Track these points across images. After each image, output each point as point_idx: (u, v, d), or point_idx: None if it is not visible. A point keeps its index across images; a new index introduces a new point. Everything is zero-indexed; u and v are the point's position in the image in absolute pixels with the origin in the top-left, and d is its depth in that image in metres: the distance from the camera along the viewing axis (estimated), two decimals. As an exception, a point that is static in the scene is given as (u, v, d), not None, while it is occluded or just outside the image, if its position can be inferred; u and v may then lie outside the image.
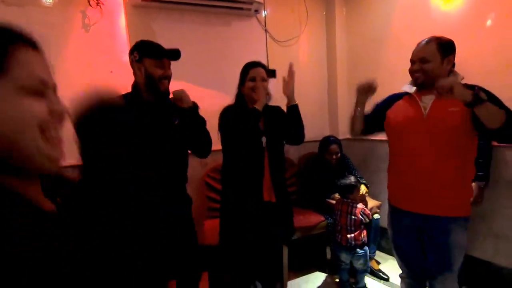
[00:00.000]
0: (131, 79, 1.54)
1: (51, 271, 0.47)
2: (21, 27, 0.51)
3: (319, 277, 2.52)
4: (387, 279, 2.42)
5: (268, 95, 1.82)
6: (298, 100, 1.80)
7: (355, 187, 2.29)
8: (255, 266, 2.02)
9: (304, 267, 2.62)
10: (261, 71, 1.77)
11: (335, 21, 3.02)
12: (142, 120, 1.40)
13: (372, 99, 1.66)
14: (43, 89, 0.51)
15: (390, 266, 2.54)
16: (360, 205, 2.26)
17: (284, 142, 1.89)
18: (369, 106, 1.70)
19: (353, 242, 2.21)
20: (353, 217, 2.22)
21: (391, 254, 2.67)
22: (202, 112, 1.63)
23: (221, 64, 2.59)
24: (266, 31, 2.81)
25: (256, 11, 2.63)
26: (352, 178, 2.32)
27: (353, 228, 2.22)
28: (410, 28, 2.45)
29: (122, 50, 2.25)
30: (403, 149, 1.54)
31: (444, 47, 1.41)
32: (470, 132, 1.37)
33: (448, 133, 1.39)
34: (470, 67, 1.88)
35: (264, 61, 2.29)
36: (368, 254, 2.28)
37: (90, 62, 2.17)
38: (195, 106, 1.55)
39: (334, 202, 2.46)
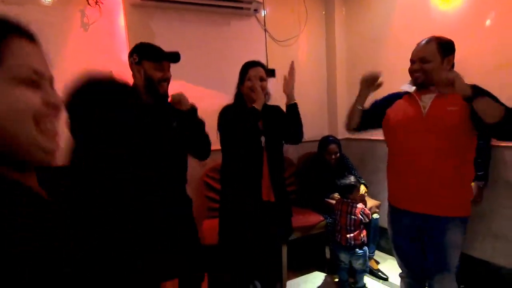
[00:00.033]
0: (130, 78, 1.54)
1: (50, 266, 0.47)
2: (17, 19, 0.51)
3: (318, 276, 2.52)
4: (386, 279, 2.42)
5: (267, 94, 1.82)
6: (298, 99, 1.80)
7: (355, 187, 2.29)
8: (255, 266, 2.02)
9: (304, 266, 2.62)
10: (260, 70, 1.77)
11: (334, 20, 3.02)
12: (141, 120, 1.39)
13: (372, 96, 1.65)
14: (39, 80, 0.51)
15: (389, 266, 2.54)
16: (360, 205, 2.26)
17: (283, 141, 1.89)
18: (367, 103, 1.68)
19: (352, 242, 2.21)
20: (353, 217, 2.22)
21: (390, 254, 2.67)
22: (201, 111, 1.62)
23: (221, 64, 2.59)
24: (265, 30, 2.81)
25: (256, 10, 2.63)
26: (352, 178, 2.32)
27: (352, 228, 2.23)
28: (409, 28, 2.45)
29: (121, 49, 2.24)
30: (402, 149, 1.54)
31: (444, 47, 1.42)
32: (469, 131, 1.37)
33: (447, 132, 1.39)
34: (469, 66, 1.89)
35: (263, 61, 2.29)
36: (368, 254, 2.29)
37: (89, 61, 2.16)
38: (193, 109, 1.55)
39: (333, 202, 2.46)
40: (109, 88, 0.69)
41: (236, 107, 1.80)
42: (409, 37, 2.10)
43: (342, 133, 3.04)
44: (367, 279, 2.38)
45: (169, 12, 2.39)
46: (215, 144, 1.78)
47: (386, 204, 1.71)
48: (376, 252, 2.67)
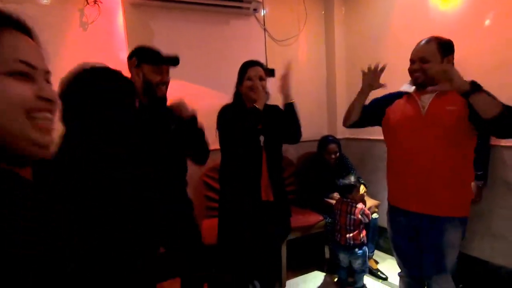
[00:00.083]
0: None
1: (52, 267, 0.47)
2: (10, 11, 0.51)
3: (318, 276, 2.52)
4: (385, 279, 2.42)
5: (266, 94, 1.81)
6: (297, 99, 1.80)
7: (354, 187, 2.29)
8: (254, 265, 2.01)
9: (303, 266, 2.62)
10: (259, 70, 1.76)
11: (334, 20, 3.02)
12: (139, 117, 1.40)
13: (371, 95, 1.65)
14: (32, 73, 0.50)
15: (389, 266, 2.54)
16: (360, 205, 2.26)
17: (282, 141, 1.88)
18: (367, 101, 1.67)
19: (351, 242, 2.21)
20: (352, 216, 2.22)
21: (389, 254, 2.67)
22: (200, 110, 1.62)
23: (220, 63, 2.59)
24: (265, 30, 2.81)
25: (255, 10, 2.63)
26: (352, 178, 2.32)
27: (352, 228, 2.23)
28: (409, 28, 2.45)
29: (120, 48, 2.24)
30: (401, 148, 1.54)
31: (444, 47, 1.42)
32: (469, 131, 1.37)
33: (446, 131, 1.39)
34: (468, 66, 1.88)
35: (262, 60, 2.29)
36: (367, 254, 2.29)
37: (88, 60, 2.15)
38: (193, 118, 1.55)
39: (333, 201, 2.46)
40: (104, 78, 0.70)
41: (235, 107, 1.80)
42: (409, 36, 2.10)
43: (341, 133, 3.04)
44: (367, 279, 2.38)
45: (168, 11, 2.38)
46: (214, 143, 1.78)
47: (385, 203, 1.71)
48: (376, 251, 2.67)
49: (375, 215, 2.50)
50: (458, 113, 1.35)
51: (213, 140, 1.75)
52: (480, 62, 1.98)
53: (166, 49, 1.53)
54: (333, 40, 3.05)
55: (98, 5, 2.17)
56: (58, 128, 0.56)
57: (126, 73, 1.55)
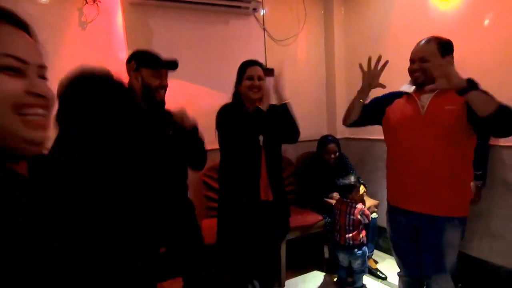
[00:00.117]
0: (127, 78, 1.53)
1: (50, 266, 0.47)
2: (3, 5, 0.50)
3: (317, 276, 2.52)
4: (384, 278, 2.42)
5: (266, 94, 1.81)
6: (296, 99, 1.80)
7: (354, 187, 2.28)
8: (253, 265, 2.01)
9: (302, 266, 2.61)
10: (258, 69, 1.76)
11: (333, 19, 3.02)
12: (138, 120, 1.39)
13: (371, 94, 1.64)
14: (22, 68, 0.49)
15: (388, 265, 2.54)
16: (359, 206, 2.25)
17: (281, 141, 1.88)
18: (367, 100, 1.67)
19: (351, 242, 2.21)
20: (352, 217, 2.22)
21: (389, 253, 2.67)
22: (199, 110, 1.62)
23: (219, 63, 2.58)
24: (264, 29, 2.80)
25: (255, 9, 2.62)
26: (352, 178, 2.31)
27: (351, 228, 2.22)
28: (408, 27, 2.45)
29: (119, 48, 2.23)
30: (401, 148, 1.54)
31: (444, 47, 1.42)
32: (468, 131, 1.37)
33: (445, 131, 1.39)
34: (468, 66, 1.88)
35: (262, 60, 2.29)
36: (366, 254, 2.28)
37: (86, 60, 2.15)
38: (194, 128, 1.55)
39: (332, 201, 2.46)
40: (103, 82, 0.69)
41: (234, 107, 1.79)
42: (408, 36, 2.10)
43: (341, 133, 3.04)
44: (366, 279, 2.38)
45: (168, 11, 2.38)
46: (213, 143, 1.78)
47: (384, 203, 1.71)
48: (375, 251, 2.67)
49: (374, 215, 2.51)
50: (457, 112, 1.35)
51: (212, 140, 1.74)
52: (480, 61, 1.99)
53: (165, 49, 1.53)
54: (332, 40, 3.05)
55: (97, 4, 2.16)
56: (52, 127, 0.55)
57: (124, 71, 1.55)
